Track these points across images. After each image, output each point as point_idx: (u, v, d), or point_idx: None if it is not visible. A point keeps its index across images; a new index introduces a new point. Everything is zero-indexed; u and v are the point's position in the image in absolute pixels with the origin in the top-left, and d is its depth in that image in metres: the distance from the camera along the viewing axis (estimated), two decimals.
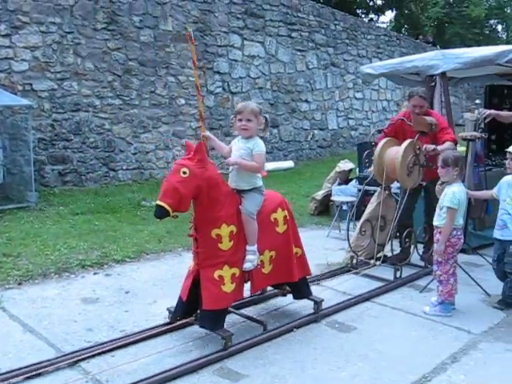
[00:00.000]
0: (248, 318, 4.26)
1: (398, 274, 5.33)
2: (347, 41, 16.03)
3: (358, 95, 16.55)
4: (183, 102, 11.83)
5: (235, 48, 12.84)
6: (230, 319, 4.27)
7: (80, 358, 3.70)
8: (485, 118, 5.86)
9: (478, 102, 6.02)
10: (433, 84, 6.65)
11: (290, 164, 13.30)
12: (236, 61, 12.86)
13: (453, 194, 4.53)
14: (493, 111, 6.00)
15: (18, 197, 8.75)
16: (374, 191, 6.14)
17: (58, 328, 4.24)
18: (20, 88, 9.41)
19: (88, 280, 5.42)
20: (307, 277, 4.58)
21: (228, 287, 3.86)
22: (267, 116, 4.21)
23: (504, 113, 6.30)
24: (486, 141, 6.89)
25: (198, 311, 4.02)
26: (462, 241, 4.68)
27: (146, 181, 11.10)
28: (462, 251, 5.75)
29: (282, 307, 4.67)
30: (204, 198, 3.76)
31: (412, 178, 5.44)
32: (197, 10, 11.95)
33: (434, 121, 5.50)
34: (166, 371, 3.48)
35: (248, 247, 3.99)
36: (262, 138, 4.13)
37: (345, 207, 7.73)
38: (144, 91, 11.12)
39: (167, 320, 4.24)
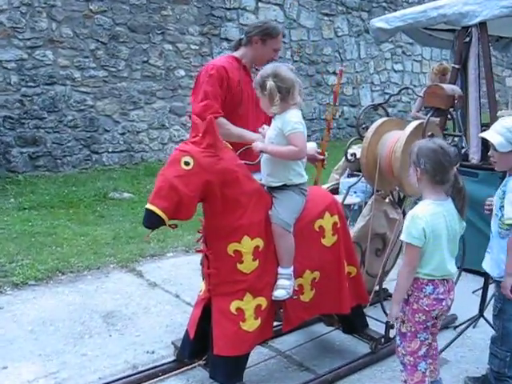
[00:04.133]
0: None
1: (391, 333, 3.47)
2: (385, 4, 13.78)
3: (397, 67, 14.33)
4: (183, 73, 10.12)
5: (248, 11, 10.98)
6: None
7: None
8: None
9: None
10: (467, 40, 4.70)
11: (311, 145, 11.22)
12: None
13: (411, 219, 2.62)
14: None
15: None
16: None
17: None
18: None
19: None
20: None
21: (250, 325, 2.82)
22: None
23: None
24: None
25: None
26: (445, 303, 2.66)
27: (135, 165, 9.54)
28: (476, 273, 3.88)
29: None
30: (217, 199, 2.71)
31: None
32: None
33: (458, 91, 3.61)
34: None
35: (280, 269, 2.91)
36: None
37: (356, 207, 5.87)
38: (135, 61, 9.50)
39: None
